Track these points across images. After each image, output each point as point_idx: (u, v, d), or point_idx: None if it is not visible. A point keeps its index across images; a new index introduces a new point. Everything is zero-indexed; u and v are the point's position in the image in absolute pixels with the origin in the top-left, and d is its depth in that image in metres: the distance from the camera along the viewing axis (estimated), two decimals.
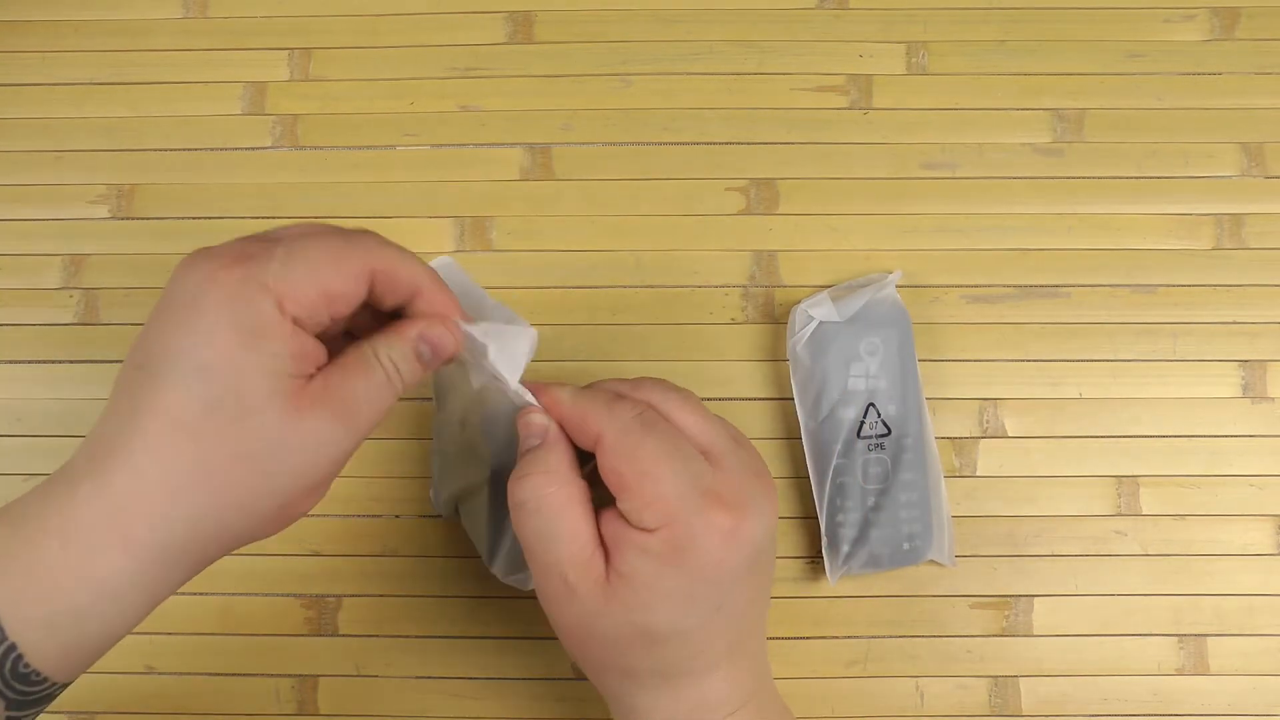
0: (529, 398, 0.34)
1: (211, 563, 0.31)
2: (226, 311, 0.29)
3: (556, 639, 0.43)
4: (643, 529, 0.31)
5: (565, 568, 0.32)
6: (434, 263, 0.34)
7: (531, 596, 0.44)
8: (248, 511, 0.30)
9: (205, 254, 0.30)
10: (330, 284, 0.30)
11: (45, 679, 0.28)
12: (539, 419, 0.33)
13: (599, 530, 0.32)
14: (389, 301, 0.32)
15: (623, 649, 0.32)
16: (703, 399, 0.44)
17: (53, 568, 0.28)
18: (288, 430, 0.29)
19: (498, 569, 0.39)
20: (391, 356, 0.31)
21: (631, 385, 0.35)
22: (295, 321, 0.30)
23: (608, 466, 0.32)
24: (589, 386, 0.35)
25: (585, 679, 0.43)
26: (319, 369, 0.30)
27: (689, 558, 0.31)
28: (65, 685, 0.30)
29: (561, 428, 0.34)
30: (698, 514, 0.31)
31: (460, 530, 0.44)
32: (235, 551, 0.44)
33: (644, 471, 0.31)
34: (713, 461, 0.33)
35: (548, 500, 0.32)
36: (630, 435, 0.32)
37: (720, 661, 0.33)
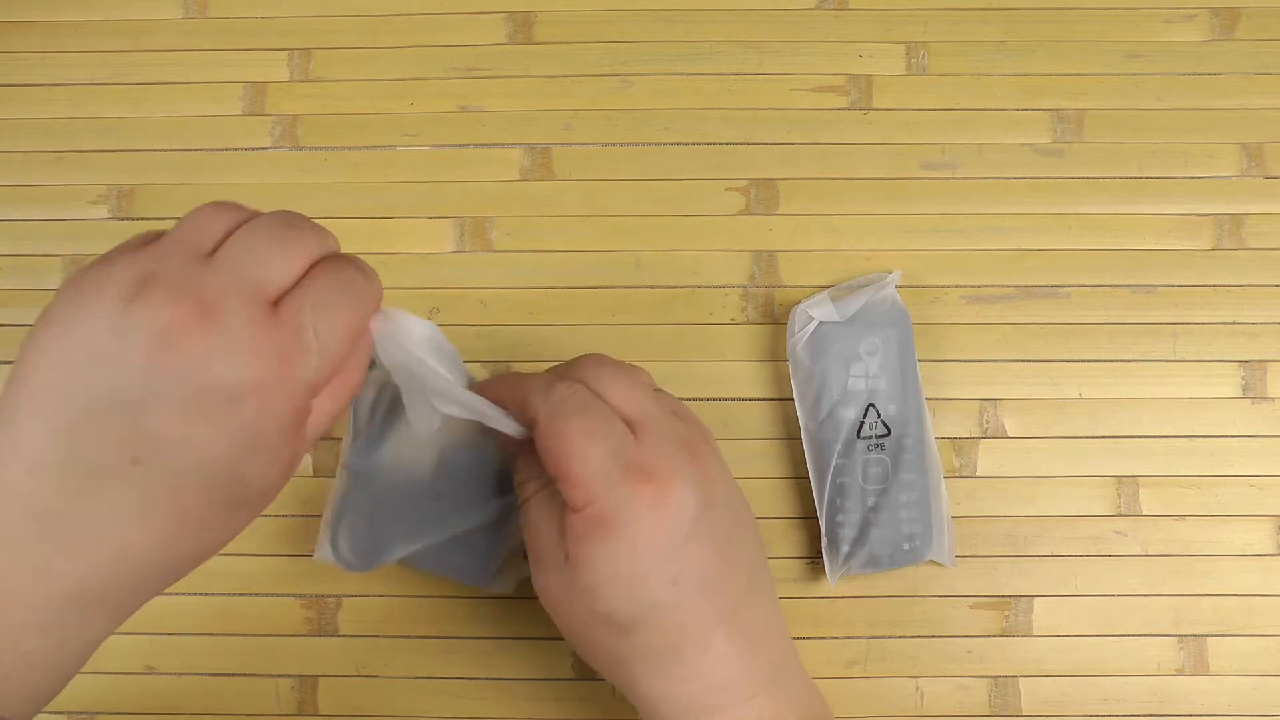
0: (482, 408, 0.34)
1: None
2: (272, 411, 0.28)
3: (556, 639, 0.43)
4: (574, 510, 0.32)
5: (539, 564, 0.34)
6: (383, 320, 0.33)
7: (531, 597, 0.44)
8: (196, 559, 0.31)
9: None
10: (346, 397, 0.32)
11: None
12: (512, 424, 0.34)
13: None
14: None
15: (601, 638, 0.33)
16: (702, 399, 0.44)
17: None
18: (254, 501, 0.30)
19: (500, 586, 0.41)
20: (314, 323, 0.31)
21: (569, 365, 0.35)
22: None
23: (541, 448, 0.32)
24: (541, 373, 0.35)
25: (585, 679, 0.43)
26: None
27: (618, 533, 0.31)
28: None
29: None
30: (619, 486, 0.31)
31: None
32: (235, 552, 0.44)
33: (568, 451, 0.31)
34: (638, 434, 0.32)
35: (530, 500, 0.34)
36: (559, 416, 0.32)
37: (712, 639, 0.33)
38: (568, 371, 0.34)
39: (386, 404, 0.39)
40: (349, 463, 0.40)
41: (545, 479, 0.33)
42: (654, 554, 0.31)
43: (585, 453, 0.31)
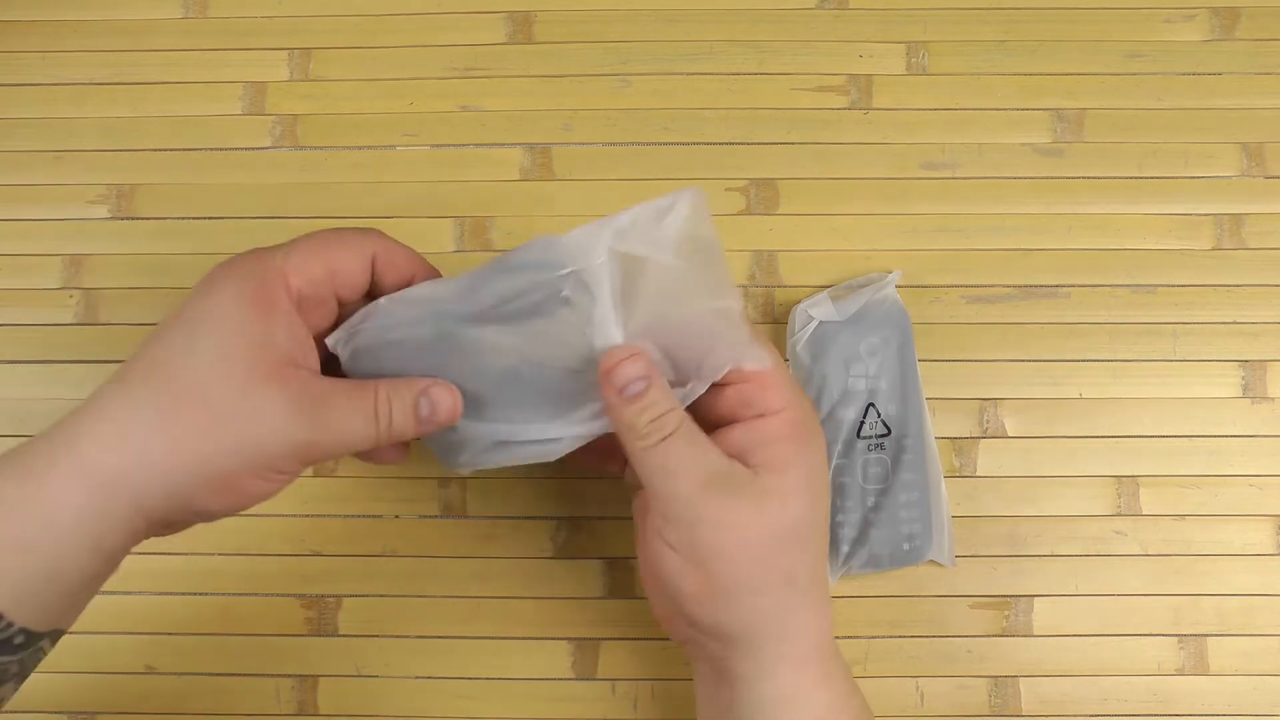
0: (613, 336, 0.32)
1: (154, 525, 0.31)
2: (232, 281, 0.31)
3: (556, 639, 0.44)
4: (767, 414, 0.33)
5: (724, 477, 0.32)
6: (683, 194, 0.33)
7: (531, 597, 0.44)
8: (195, 462, 0.30)
9: (235, 255, 0.33)
10: (333, 259, 0.33)
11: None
12: (639, 363, 0.32)
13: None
14: (390, 280, 0.34)
15: (788, 546, 0.33)
16: None
17: (2, 500, 0.29)
18: (253, 394, 0.30)
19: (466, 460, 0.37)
20: (390, 396, 0.33)
21: None
22: (300, 304, 0.32)
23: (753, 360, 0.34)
24: None
25: (585, 679, 0.43)
26: (310, 369, 0.32)
27: (811, 439, 0.34)
28: (31, 638, 0.30)
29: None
30: (804, 398, 0.34)
31: (460, 530, 0.44)
32: (235, 551, 0.44)
33: (776, 366, 0.34)
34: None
35: (685, 423, 0.33)
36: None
37: (826, 574, 0.35)
38: None
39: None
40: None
41: (680, 407, 0.33)
42: (824, 471, 0.34)
43: (781, 362, 0.34)
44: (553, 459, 0.35)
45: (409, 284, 0.34)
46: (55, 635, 0.31)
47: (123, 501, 0.30)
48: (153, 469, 0.30)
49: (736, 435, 0.33)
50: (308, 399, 0.31)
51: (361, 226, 0.35)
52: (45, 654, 0.31)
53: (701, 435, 0.33)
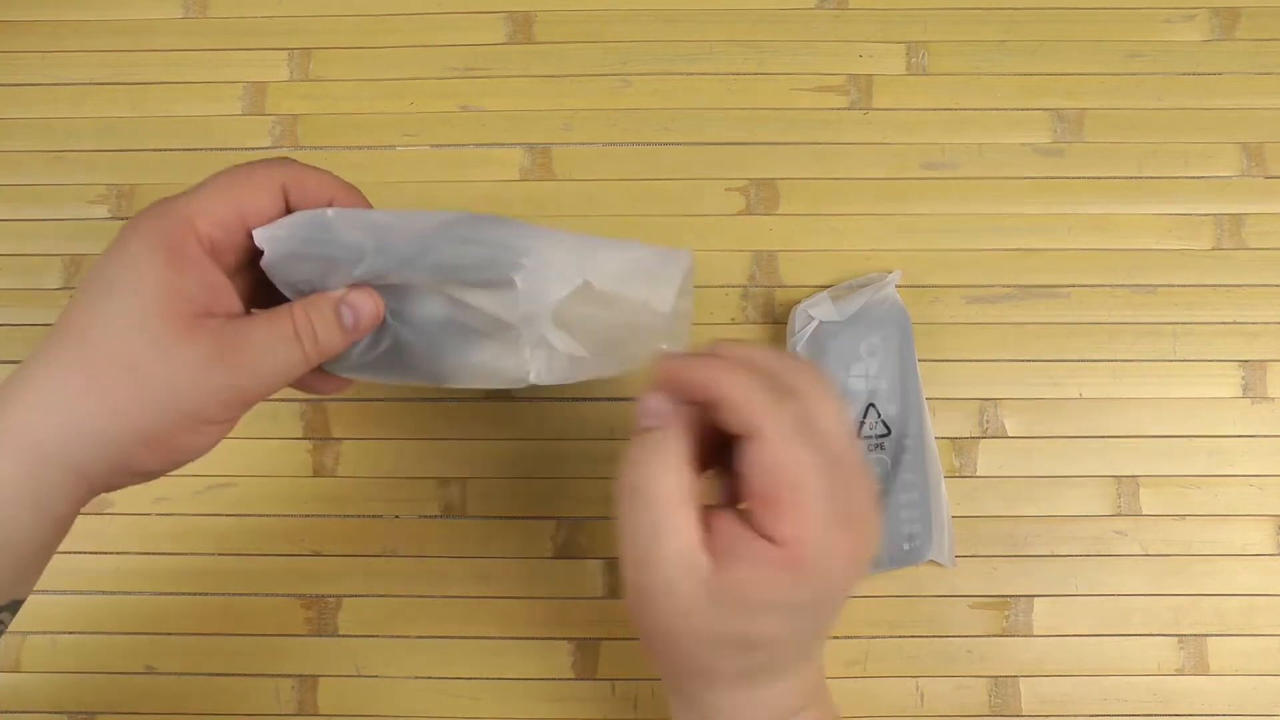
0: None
1: (96, 487, 0.31)
2: (140, 236, 0.31)
3: (556, 638, 0.44)
4: (769, 538, 0.29)
5: (669, 564, 0.30)
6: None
7: (531, 597, 0.44)
8: (124, 423, 0.30)
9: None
10: (241, 198, 0.32)
11: None
12: (658, 404, 0.31)
13: (709, 529, 0.30)
14: (306, 208, 0.34)
15: (714, 652, 0.31)
16: None
17: None
18: (169, 348, 0.30)
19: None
20: (309, 313, 0.32)
21: (789, 370, 0.32)
22: (213, 249, 0.32)
23: (760, 464, 0.30)
24: (736, 352, 0.32)
25: (585, 679, 0.43)
26: (226, 313, 0.32)
27: (809, 577, 0.30)
28: None
29: (689, 405, 0.31)
30: (829, 535, 0.30)
31: (460, 530, 0.44)
32: (235, 552, 0.44)
33: (795, 483, 0.29)
34: (847, 477, 0.31)
35: (664, 492, 0.30)
36: (793, 440, 0.30)
37: (800, 664, 0.33)
38: (789, 379, 0.31)
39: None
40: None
41: (686, 475, 0.31)
42: (825, 600, 0.31)
43: (813, 490, 0.29)
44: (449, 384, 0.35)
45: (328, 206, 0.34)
46: (14, 606, 0.32)
47: (56, 468, 0.30)
48: (83, 433, 0.30)
49: (728, 526, 0.31)
50: (225, 345, 0.31)
51: (273, 159, 0.34)
52: (5, 626, 0.31)
53: (685, 513, 0.30)
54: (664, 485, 0.30)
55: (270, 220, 0.33)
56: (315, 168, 0.34)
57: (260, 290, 0.35)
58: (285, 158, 0.34)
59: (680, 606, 0.30)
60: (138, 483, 0.33)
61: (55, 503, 0.30)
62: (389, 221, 0.34)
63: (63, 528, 0.31)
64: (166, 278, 0.31)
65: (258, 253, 0.33)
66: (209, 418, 0.32)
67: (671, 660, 0.32)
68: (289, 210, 0.34)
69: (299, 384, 0.36)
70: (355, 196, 0.35)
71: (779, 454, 0.29)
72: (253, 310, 0.34)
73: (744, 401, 0.30)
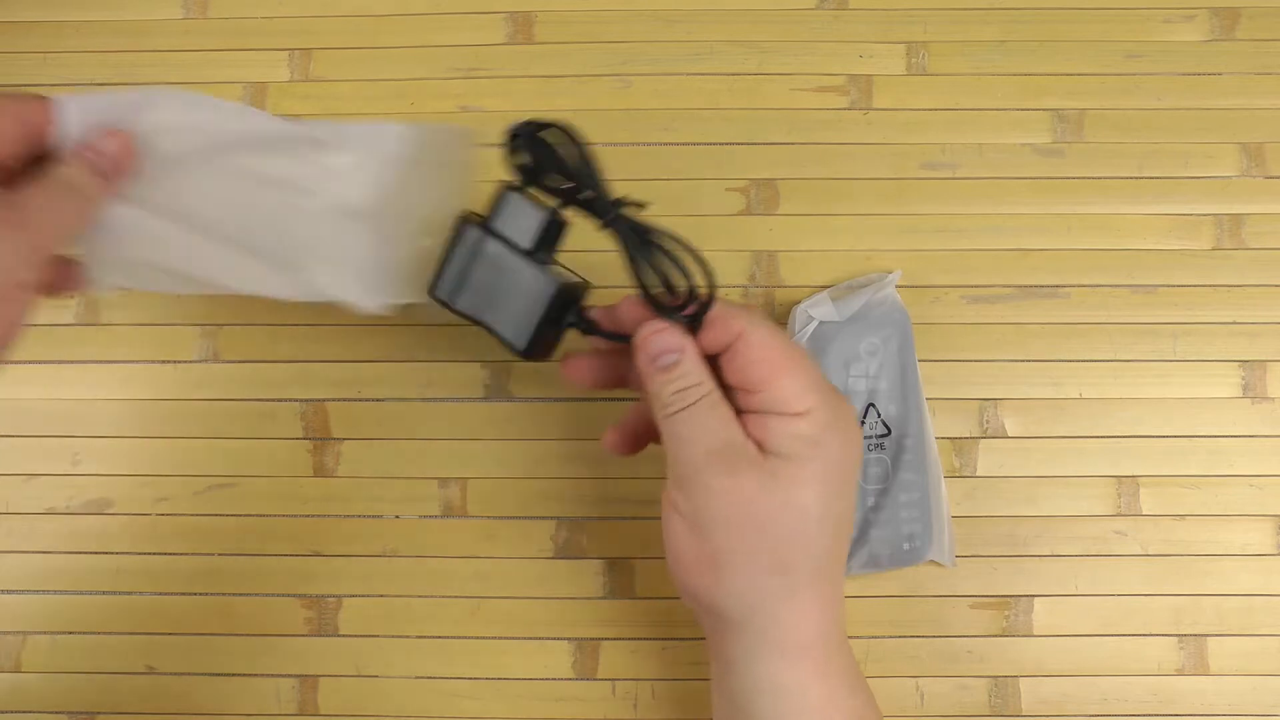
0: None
1: None
2: None
3: (556, 639, 0.44)
4: (791, 413, 0.33)
5: (731, 451, 0.33)
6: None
7: (531, 597, 0.44)
8: None
9: None
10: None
11: None
12: (671, 337, 0.34)
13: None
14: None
15: (783, 534, 0.33)
16: None
17: None
18: None
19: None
20: (69, 170, 0.34)
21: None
22: None
23: (754, 357, 0.34)
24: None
25: (585, 679, 0.43)
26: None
27: (831, 439, 0.33)
28: None
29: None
30: (839, 404, 0.34)
31: (460, 530, 0.44)
32: (235, 552, 0.44)
33: (795, 360, 0.34)
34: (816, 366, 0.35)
35: (708, 396, 0.34)
36: (773, 327, 0.34)
37: (841, 571, 0.35)
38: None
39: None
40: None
41: (712, 382, 0.34)
42: (848, 471, 0.34)
43: (807, 366, 0.34)
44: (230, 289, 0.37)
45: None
46: None
47: None
48: None
49: (767, 425, 0.34)
50: (7, 208, 0.33)
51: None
52: None
53: (725, 409, 0.34)
54: (708, 390, 0.34)
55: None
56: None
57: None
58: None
59: (745, 489, 0.33)
60: None
61: None
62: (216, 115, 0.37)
63: None
64: None
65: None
66: (16, 279, 0.33)
67: (740, 567, 0.34)
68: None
69: (46, 290, 0.37)
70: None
71: (765, 339, 0.34)
72: None
73: (724, 313, 0.34)
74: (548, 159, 0.35)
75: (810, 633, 0.34)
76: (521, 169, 0.36)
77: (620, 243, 0.35)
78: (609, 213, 0.35)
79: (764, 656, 0.34)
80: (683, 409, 0.34)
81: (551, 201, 0.37)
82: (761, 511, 0.33)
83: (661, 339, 0.34)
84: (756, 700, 0.34)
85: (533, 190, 0.37)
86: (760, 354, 0.34)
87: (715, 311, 0.34)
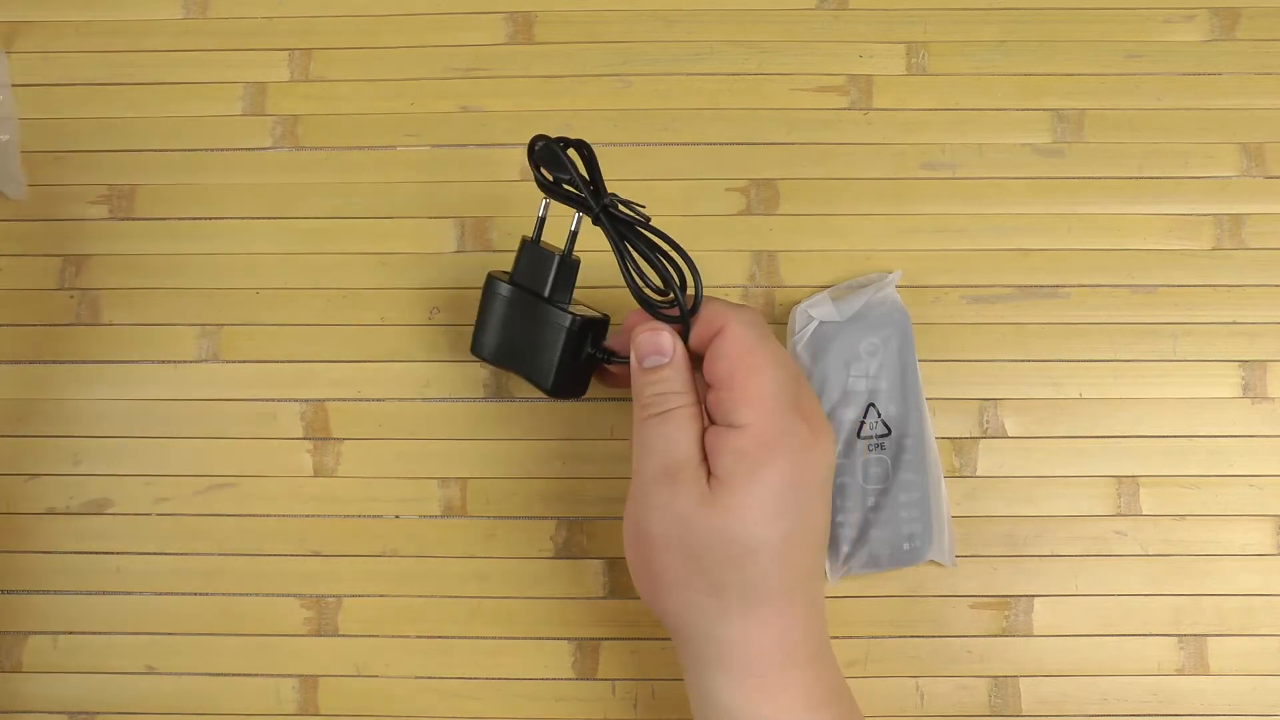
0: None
1: None
2: None
3: (556, 638, 0.44)
4: (735, 426, 0.33)
5: (678, 470, 0.33)
6: None
7: (531, 597, 0.44)
8: None
9: None
10: None
11: None
12: (657, 337, 0.35)
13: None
14: None
15: (716, 559, 0.33)
16: None
17: None
18: None
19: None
20: None
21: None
22: None
23: (723, 354, 0.34)
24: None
25: (585, 679, 0.43)
26: None
27: (775, 458, 0.32)
28: None
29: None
30: (784, 417, 0.33)
31: (460, 530, 0.44)
32: (235, 552, 0.44)
33: (754, 366, 0.33)
34: (796, 375, 0.35)
35: (680, 409, 0.34)
36: (753, 330, 0.34)
37: (798, 591, 0.34)
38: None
39: None
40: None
41: (693, 395, 0.34)
42: (796, 486, 0.33)
43: (769, 375, 0.33)
44: None
45: None
46: None
47: None
48: None
49: (710, 437, 0.34)
50: None
51: None
52: None
53: (695, 427, 0.34)
54: (683, 404, 0.34)
55: None
56: None
57: None
58: None
59: (684, 511, 0.33)
60: None
61: None
62: None
63: None
64: None
65: None
66: None
67: (679, 584, 0.33)
68: None
69: None
70: None
71: (740, 340, 0.33)
72: None
73: (713, 308, 0.34)
74: (553, 163, 0.37)
75: (758, 653, 0.33)
76: (536, 171, 0.37)
77: (607, 239, 0.36)
78: (594, 209, 0.36)
79: (707, 672, 0.34)
80: (655, 415, 0.34)
81: (561, 246, 0.38)
82: (695, 536, 0.33)
83: (650, 338, 0.35)
84: (708, 714, 0.34)
85: (543, 244, 0.39)
86: (730, 351, 0.34)
87: (706, 308, 0.35)
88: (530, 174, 0.38)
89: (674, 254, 0.35)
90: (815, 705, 0.34)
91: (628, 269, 0.35)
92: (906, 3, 0.47)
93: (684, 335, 0.35)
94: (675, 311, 0.35)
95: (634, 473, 0.35)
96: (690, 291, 0.35)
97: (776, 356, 0.34)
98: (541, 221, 0.39)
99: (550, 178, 0.37)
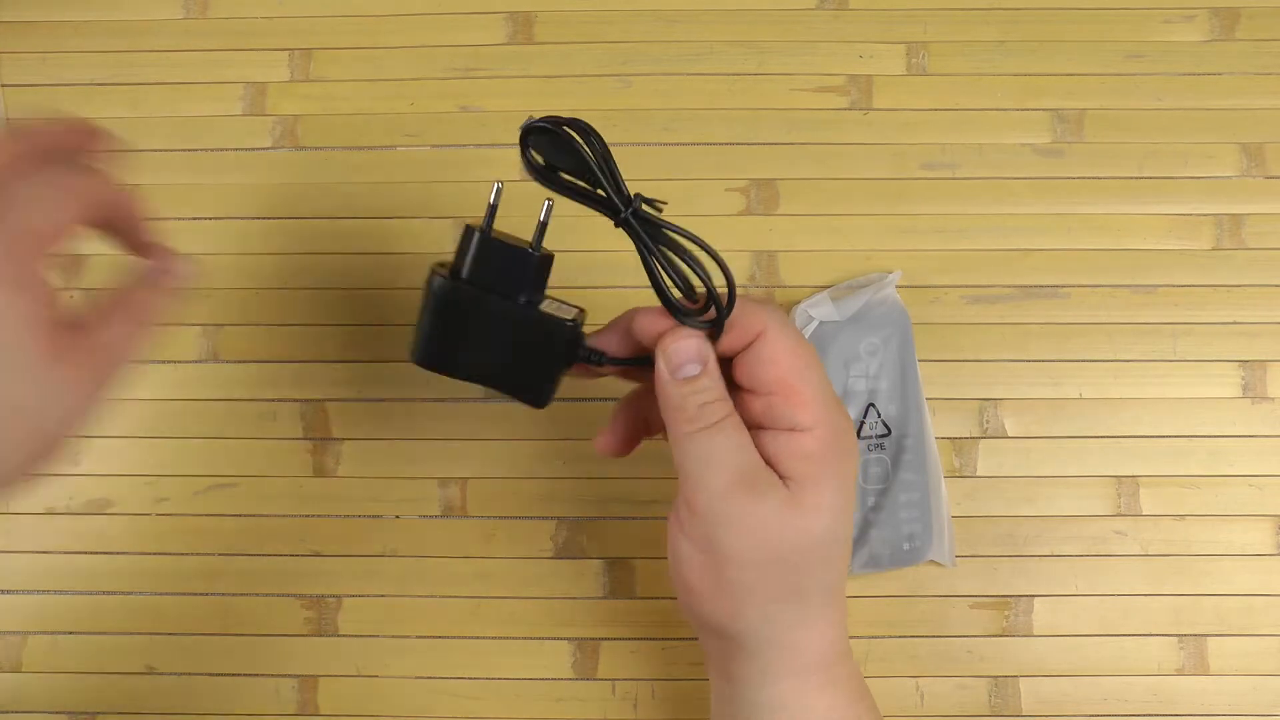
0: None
1: None
2: None
3: (556, 638, 0.44)
4: (798, 430, 0.32)
5: (755, 479, 0.32)
6: None
7: (531, 597, 0.44)
8: (11, 463, 0.28)
9: None
10: (71, 214, 0.30)
11: None
12: (694, 345, 0.33)
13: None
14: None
15: (804, 562, 0.32)
16: None
17: None
18: (47, 378, 0.28)
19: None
20: (151, 296, 0.32)
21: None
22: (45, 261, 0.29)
23: (768, 358, 0.33)
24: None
25: (585, 679, 0.43)
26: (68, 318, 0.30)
27: (840, 458, 0.33)
28: None
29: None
30: (840, 417, 0.33)
31: (460, 530, 0.44)
32: (235, 552, 0.44)
33: (804, 369, 0.33)
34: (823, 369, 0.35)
35: (731, 416, 0.32)
36: (791, 330, 0.33)
37: (840, 593, 0.34)
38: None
39: None
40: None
41: (730, 400, 0.33)
42: (850, 482, 0.33)
43: (818, 374, 0.33)
44: None
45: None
46: None
47: None
48: None
49: (766, 442, 0.33)
50: (85, 354, 0.29)
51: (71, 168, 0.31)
52: None
53: (745, 431, 0.33)
54: (729, 413, 0.33)
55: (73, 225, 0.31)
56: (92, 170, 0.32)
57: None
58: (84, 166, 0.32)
59: (770, 517, 0.32)
60: None
61: None
62: None
63: None
64: (19, 305, 0.28)
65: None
66: (83, 426, 0.30)
67: (764, 600, 0.33)
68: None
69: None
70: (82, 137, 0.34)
71: (784, 342, 0.33)
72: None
73: (746, 310, 0.33)
74: (562, 156, 0.33)
75: (819, 650, 0.34)
76: (534, 168, 0.34)
77: (635, 243, 0.34)
78: (620, 212, 0.34)
79: (775, 678, 0.33)
80: (706, 427, 0.32)
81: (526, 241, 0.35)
82: (782, 542, 0.32)
83: (685, 347, 0.33)
84: (759, 717, 0.34)
85: (498, 234, 0.34)
86: (778, 355, 0.33)
87: (737, 310, 0.33)
88: (531, 172, 0.35)
89: (706, 257, 0.33)
90: (855, 696, 0.35)
91: (660, 277, 0.33)
92: (906, 3, 0.47)
93: (714, 339, 0.34)
94: (711, 316, 0.33)
95: (693, 486, 0.32)
96: (723, 291, 0.33)
97: (814, 354, 0.34)
98: (543, 226, 0.35)
99: (550, 171, 0.33)
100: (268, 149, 0.47)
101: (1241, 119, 0.46)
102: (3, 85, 0.48)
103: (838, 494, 0.33)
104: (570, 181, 0.34)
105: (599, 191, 0.33)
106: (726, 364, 0.34)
